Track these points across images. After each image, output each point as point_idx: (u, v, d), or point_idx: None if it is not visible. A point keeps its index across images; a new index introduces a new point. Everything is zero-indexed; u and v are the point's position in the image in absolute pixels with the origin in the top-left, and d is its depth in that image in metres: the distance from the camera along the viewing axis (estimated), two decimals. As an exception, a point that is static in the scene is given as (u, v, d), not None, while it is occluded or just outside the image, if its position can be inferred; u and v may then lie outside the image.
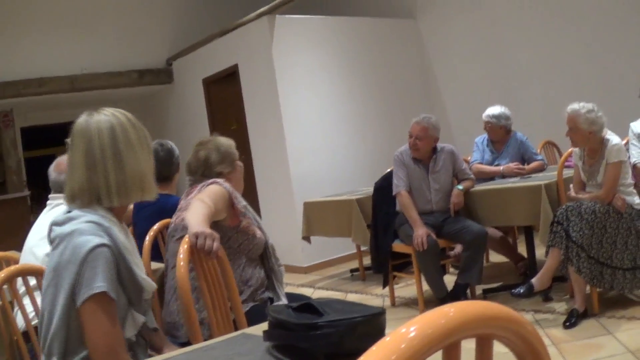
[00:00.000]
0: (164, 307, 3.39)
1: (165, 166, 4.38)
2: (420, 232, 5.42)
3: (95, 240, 2.05)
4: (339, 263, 8.61)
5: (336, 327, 1.60)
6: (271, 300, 3.40)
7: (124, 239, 2.24)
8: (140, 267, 2.29)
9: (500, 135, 6.46)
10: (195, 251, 2.72)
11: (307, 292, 7.21)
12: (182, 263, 2.64)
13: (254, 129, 9.04)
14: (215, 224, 3.12)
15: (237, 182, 3.64)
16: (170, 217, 3.62)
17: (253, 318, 2.92)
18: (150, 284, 2.29)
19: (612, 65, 7.55)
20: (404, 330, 0.77)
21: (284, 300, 3.40)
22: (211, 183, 3.40)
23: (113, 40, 10.10)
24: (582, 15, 7.83)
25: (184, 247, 2.71)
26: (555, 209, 4.95)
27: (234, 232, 3.34)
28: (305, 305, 1.75)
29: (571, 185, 5.11)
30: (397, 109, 9.31)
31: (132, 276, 2.17)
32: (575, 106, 4.87)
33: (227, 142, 3.69)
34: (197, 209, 3.01)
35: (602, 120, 4.82)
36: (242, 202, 3.47)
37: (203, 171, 3.60)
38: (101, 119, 2.24)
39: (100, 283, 2.00)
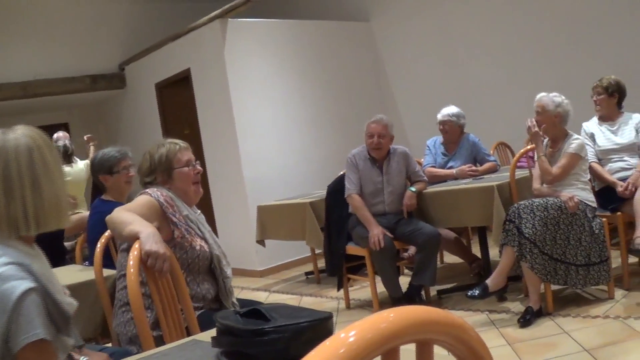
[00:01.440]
0: (114, 316, 3.32)
1: None
2: (376, 231, 5.43)
3: (22, 285, 1.92)
4: (294, 266, 8.61)
5: (282, 333, 1.59)
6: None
7: (41, 267, 2.12)
8: (60, 291, 2.19)
9: (456, 135, 6.47)
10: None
11: (262, 295, 7.22)
12: (132, 270, 2.62)
13: (207, 133, 8.99)
14: None
15: (181, 190, 3.43)
16: None
17: (205, 323, 2.89)
18: (73, 305, 2.21)
19: (565, 66, 7.65)
20: (343, 335, 0.77)
21: None
22: (142, 193, 3.32)
23: (66, 46, 9.98)
24: (535, 17, 7.93)
25: (134, 254, 2.68)
26: (508, 209, 5.00)
27: (170, 245, 3.13)
28: (252, 311, 1.74)
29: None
30: (350, 112, 9.34)
31: (57, 308, 2.06)
32: (543, 93, 5.20)
33: (162, 150, 3.45)
34: (140, 218, 2.97)
35: (568, 108, 5.11)
36: (182, 212, 3.34)
37: (140, 180, 3.53)
38: (19, 138, 2.10)
39: (37, 330, 1.90)
